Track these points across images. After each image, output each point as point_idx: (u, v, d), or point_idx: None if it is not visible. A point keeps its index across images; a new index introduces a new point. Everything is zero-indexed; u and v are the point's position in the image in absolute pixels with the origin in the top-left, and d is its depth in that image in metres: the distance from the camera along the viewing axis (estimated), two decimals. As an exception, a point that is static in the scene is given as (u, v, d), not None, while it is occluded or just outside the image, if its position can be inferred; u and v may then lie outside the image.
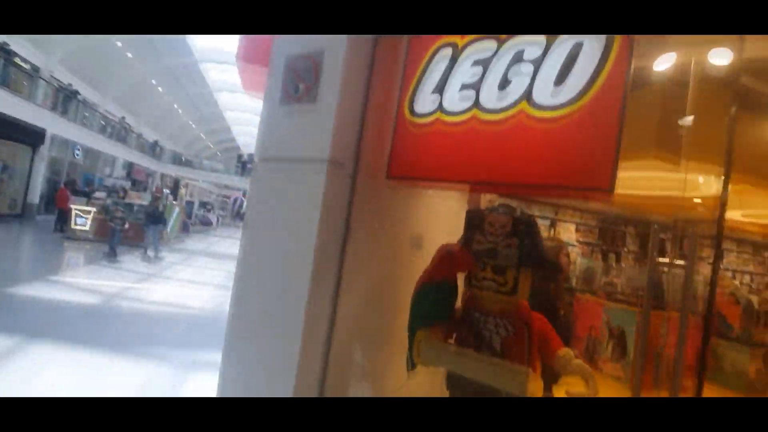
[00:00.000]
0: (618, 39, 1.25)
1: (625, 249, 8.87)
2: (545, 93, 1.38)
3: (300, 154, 1.82)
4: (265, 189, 1.96)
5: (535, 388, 1.50)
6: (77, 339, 4.86)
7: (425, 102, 1.72)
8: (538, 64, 1.42)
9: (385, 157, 1.77)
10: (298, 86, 1.76)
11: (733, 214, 2.67)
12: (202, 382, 3.85)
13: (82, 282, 7.71)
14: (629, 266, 8.95)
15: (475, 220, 1.67)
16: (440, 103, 1.67)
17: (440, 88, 1.68)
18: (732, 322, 3.48)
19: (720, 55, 1.53)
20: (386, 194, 1.91)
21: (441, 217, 2.14)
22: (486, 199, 1.87)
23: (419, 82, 1.76)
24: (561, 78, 1.36)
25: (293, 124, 1.85)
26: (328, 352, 1.80)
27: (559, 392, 1.74)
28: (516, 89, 1.46)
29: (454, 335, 1.79)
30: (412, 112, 1.77)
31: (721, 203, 1.34)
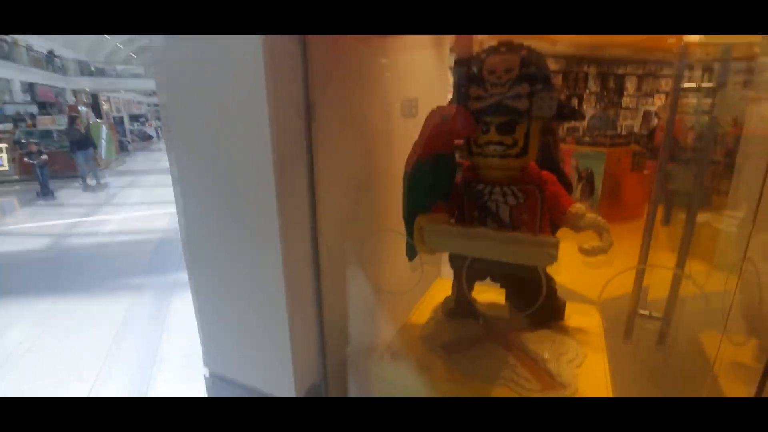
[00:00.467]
0: None
1: (587, 91, 8.78)
2: None
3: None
4: (181, 81, 1.44)
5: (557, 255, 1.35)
6: (36, 290, 4.49)
7: None
8: None
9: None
10: None
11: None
12: (188, 301, 3.72)
13: (23, 227, 7.02)
14: (591, 107, 8.97)
15: (469, 70, 1.31)
16: None
17: None
18: (684, 144, 3.62)
19: None
20: (351, 54, 1.47)
21: (425, 76, 1.74)
22: (478, 43, 1.47)
23: None
24: None
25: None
26: (316, 254, 1.56)
27: (566, 248, 1.63)
28: None
29: (455, 213, 1.58)
30: None
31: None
